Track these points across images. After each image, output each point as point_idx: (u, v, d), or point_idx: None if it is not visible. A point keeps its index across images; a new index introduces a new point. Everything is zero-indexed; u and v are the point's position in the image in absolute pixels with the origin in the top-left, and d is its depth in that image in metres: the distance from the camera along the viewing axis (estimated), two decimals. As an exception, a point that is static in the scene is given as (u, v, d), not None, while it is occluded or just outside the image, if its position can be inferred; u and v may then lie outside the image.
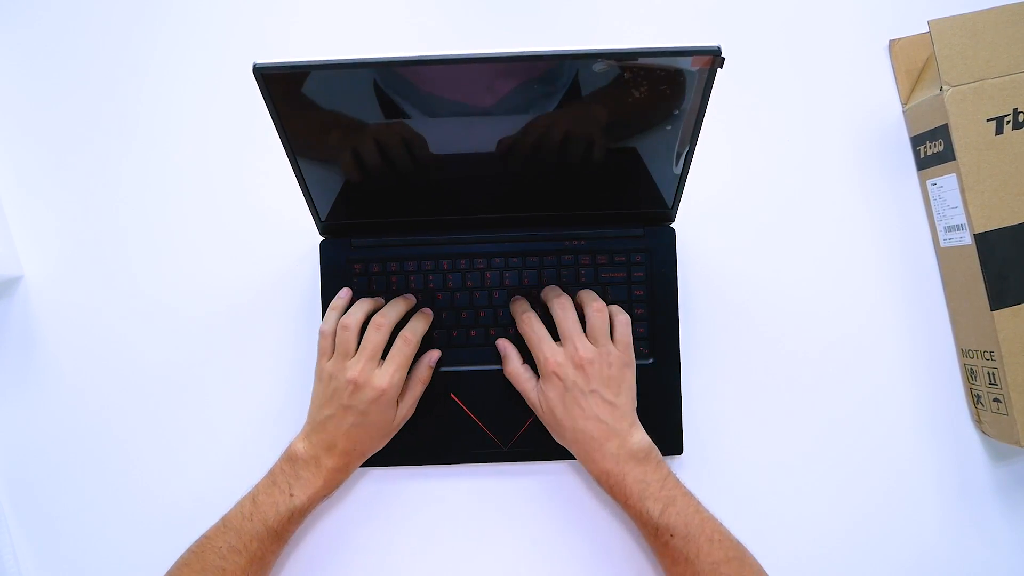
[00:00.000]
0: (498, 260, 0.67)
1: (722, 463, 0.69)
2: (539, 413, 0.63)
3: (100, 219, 0.72)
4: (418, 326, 0.63)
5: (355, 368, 0.60)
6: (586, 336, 0.62)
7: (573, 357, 0.60)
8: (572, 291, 0.66)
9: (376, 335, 0.61)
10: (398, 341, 0.62)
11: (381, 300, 0.65)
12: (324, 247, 0.67)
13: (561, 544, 0.68)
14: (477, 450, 0.67)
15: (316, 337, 0.67)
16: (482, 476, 0.68)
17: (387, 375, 0.60)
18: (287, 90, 0.51)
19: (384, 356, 0.62)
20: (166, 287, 0.71)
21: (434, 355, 0.66)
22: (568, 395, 0.60)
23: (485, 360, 0.67)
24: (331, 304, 0.64)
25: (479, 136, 0.58)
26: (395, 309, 0.63)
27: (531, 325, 0.63)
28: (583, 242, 0.67)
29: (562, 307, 0.62)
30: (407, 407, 0.64)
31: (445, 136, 0.57)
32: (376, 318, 0.62)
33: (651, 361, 0.67)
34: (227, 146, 0.72)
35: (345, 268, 0.67)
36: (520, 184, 0.63)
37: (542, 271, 0.67)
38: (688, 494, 0.60)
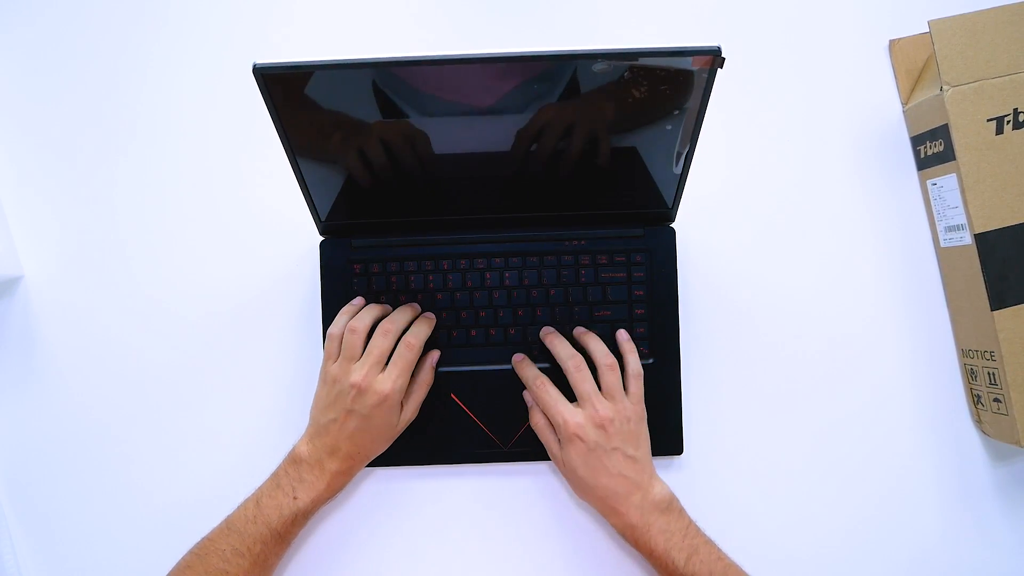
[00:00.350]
0: (498, 260, 0.67)
1: (722, 463, 0.69)
2: (561, 470, 0.64)
3: (100, 219, 0.72)
4: (420, 331, 0.63)
5: (359, 372, 0.60)
6: (601, 393, 0.62)
7: (593, 418, 0.60)
8: (572, 292, 0.66)
9: (383, 340, 0.61)
10: (401, 347, 0.62)
11: (389, 308, 0.65)
12: (324, 247, 0.67)
13: (561, 544, 0.68)
14: (477, 450, 0.67)
15: (316, 337, 0.67)
16: (482, 476, 0.68)
17: (390, 380, 0.60)
18: (287, 90, 0.51)
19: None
20: (166, 287, 0.71)
21: (435, 355, 0.66)
22: (591, 455, 0.60)
23: (485, 360, 0.67)
24: (343, 308, 0.65)
25: (479, 136, 0.58)
26: (403, 316, 0.63)
27: (546, 391, 0.63)
28: (583, 242, 0.67)
29: (576, 367, 0.62)
30: (411, 410, 0.64)
31: (445, 136, 0.57)
32: (384, 323, 0.62)
33: (651, 361, 0.67)
34: (227, 146, 0.72)
35: (345, 268, 0.67)
36: (520, 184, 0.63)
37: (542, 271, 0.67)
38: (709, 542, 0.61)
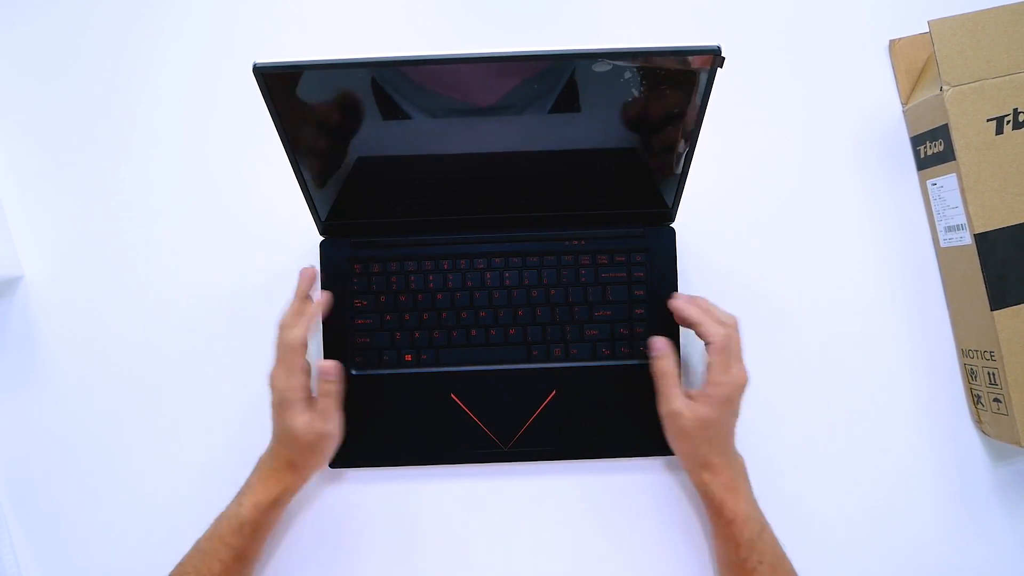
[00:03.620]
0: (498, 260, 0.67)
1: (722, 463, 0.69)
2: (676, 419, 0.61)
3: (100, 219, 0.72)
4: (295, 329, 0.62)
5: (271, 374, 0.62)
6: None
7: (743, 382, 0.61)
8: (572, 292, 0.66)
9: (278, 343, 0.63)
10: (276, 339, 0.63)
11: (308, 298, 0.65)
12: (324, 247, 0.67)
13: (561, 543, 0.68)
14: (477, 450, 0.67)
15: (316, 337, 0.67)
16: (482, 476, 0.68)
17: (275, 375, 0.62)
18: (287, 90, 0.51)
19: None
20: (166, 287, 0.71)
21: (325, 367, 0.62)
22: (725, 416, 0.61)
23: (485, 360, 0.67)
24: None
25: (479, 136, 0.58)
26: (290, 314, 0.64)
27: (736, 340, 0.62)
28: (583, 242, 0.67)
29: (736, 328, 0.62)
30: (318, 418, 0.61)
31: (444, 136, 0.57)
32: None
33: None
34: (227, 146, 0.72)
35: (345, 268, 0.67)
36: (520, 184, 0.63)
37: (542, 271, 0.67)
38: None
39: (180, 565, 0.60)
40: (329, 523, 0.68)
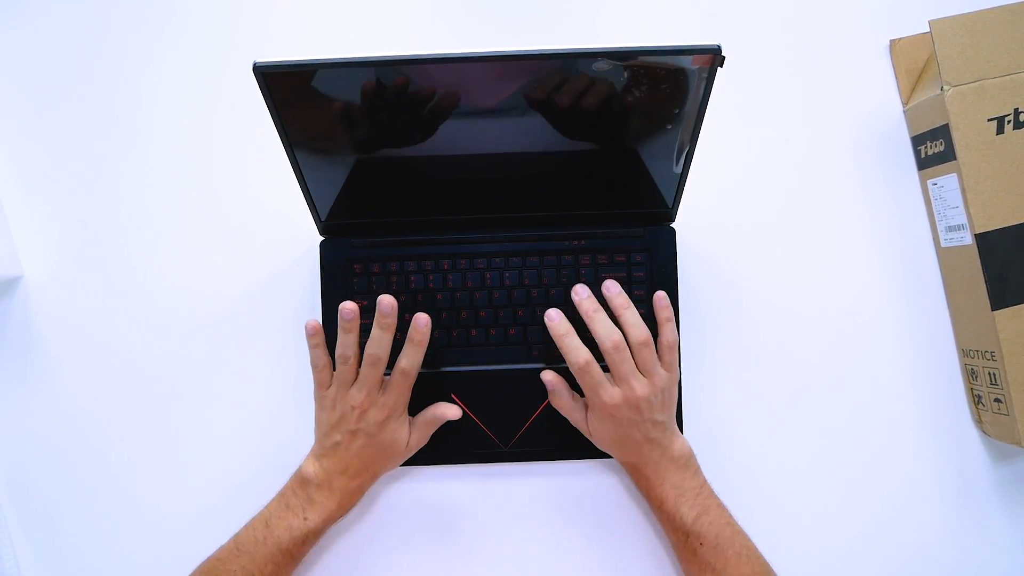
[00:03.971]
0: (498, 260, 0.67)
1: (722, 463, 0.68)
2: (588, 436, 0.64)
3: (100, 219, 0.72)
4: (413, 358, 0.61)
5: (359, 395, 0.60)
6: (637, 370, 0.61)
7: (629, 399, 0.60)
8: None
9: (372, 370, 0.60)
10: (395, 375, 0.61)
11: (356, 324, 0.60)
12: (324, 247, 0.67)
13: (561, 544, 0.68)
14: (477, 450, 0.67)
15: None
16: (482, 476, 0.68)
17: (391, 401, 0.61)
18: (287, 89, 0.51)
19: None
20: (166, 287, 0.71)
21: (451, 413, 0.64)
22: (622, 428, 0.61)
23: (485, 360, 0.67)
24: (310, 343, 0.62)
25: (479, 136, 0.58)
26: (383, 342, 0.60)
27: (591, 373, 0.60)
28: (583, 242, 0.67)
29: (616, 348, 0.59)
30: (419, 436, 0.64)
31: (445, 136, 0.57)
32: (370, 354, 0.60)
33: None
34: (227, 146, 0.72)
35: (345, 268, 0.67)
36: (520, 184, 0.63)
37: (542, 271, 0.67)
38: (722, 506, 0.61)
39: (219, 560, 0.60)
40: (329, 523, 0.68)
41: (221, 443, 0.69)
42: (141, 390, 0.70)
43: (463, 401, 0.66)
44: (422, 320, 0.61)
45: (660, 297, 0.64)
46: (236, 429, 0.69)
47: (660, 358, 0.62)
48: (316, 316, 0.68)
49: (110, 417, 0.70)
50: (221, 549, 0.61)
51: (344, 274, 0.67)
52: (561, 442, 0.67)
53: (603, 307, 0.62)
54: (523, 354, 0.67)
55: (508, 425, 0.67)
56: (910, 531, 0.68)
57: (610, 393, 0.60)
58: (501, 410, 0.67)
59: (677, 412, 0.66)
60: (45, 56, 0.73)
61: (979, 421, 0.69)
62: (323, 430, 0.63)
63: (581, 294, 0.62)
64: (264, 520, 0.61)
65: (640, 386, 0.60)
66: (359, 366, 0.61)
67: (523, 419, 0.66)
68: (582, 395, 0.63)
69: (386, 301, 0.59)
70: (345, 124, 0.55)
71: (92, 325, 0.70)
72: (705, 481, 0.63)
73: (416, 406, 0.66)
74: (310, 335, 0.62)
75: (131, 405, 0.70)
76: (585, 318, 0.61)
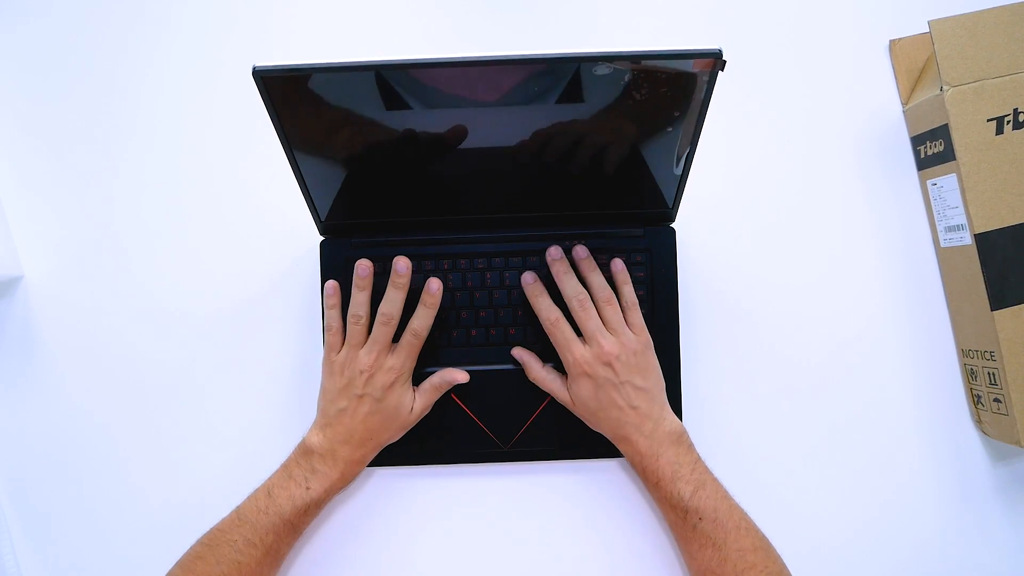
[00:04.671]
0: (498, 260, 0.67)
1: (722, 463, 0.68)
2: (572, 408, 0.64)
3: (100, 219, 0.72)
4: (423, 317, 0.63)
5: (368, 358, 0.61)
6: (606, 329, 0.62)
7: (600, 355, 0.61)
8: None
9: (384, 328, 0.62)
10: (407, 335, 0.62)
11: (369, 282, 0.63)
12: (324, 247, 0.67)
13: (561, 544, 0.68)
14: (477, 450, 0.67)
15: (316, 336, 0.68)
16: (482, 476, 0.68)
17: (399, 359, 0.62)
18: (286, 93, 0.51)
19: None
20: (166, 287, 0.71)
21: (459, 377, 0.65)
22: (601, 390, 0.62)
23: (486, 360, 0.67)
24: (327, 303, 0.64)
25: (479, 137, 0.58)
26: (398, 297, 0.62)
27: (560, 329, 0.63)
28: (583, 242, 0.67)
29: (581, 305, 0.62)
30: (422, 403, 0.64)
31: (445, 136, 0.57)
32: (382, 310, 0.62)
33: (651, 361, 0.67)
34: (227, 146, 0.72)
35: (345, 268, 0.66)
36: (521, 184, 0.63)
37: (542, 271, 0.67)
38: (716, 480, 0.62)
39: (220, 531, 0.60)
40: (327, 522, 0.68)
41: (221, 442, 0.69)
42: (141, 390, 0.70)
43: (463, 401, 0.67)
44: (435, 284, 0.63)
45: (616, 262, 0.65)
46: (236, 428, 0.69)
47: (626, 319, 0.63)
48: (316, 316, 0.68)
49: (110, 416, 0.70)
50: (223, 520, 0.61)
51: (344, 274, 0.66)
52: (561, 442, 0.67)
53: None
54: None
55: (508, 425, 0.67)
56: (909, 531, 0.68)
57: (580, 349, 0.62)
58: (501, 410, 0.67)
59: (677, 412, 0.67)
60: (45, 56, 0.73)
61: (978, 421, 0.69)
62: (329, 397, 0.63)
63: (554, 255, 0.64)
64: (267, 490, 0.62)
65: (607, 342, 0.61)
66: (370, 328, 0.62)
67: (523, 419, 0.66)
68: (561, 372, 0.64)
69: (402, 261, 0.62)
70: (345, 128, 0.55)
71: (92, 325, 0.70)
72: (699, 457, 0.63)
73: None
74: (328, 295, 0.64)
75: (131, 405, 0.70)
76: (555, 277, 0.64)
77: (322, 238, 0.67)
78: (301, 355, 0.69)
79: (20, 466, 0.70)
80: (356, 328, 0.62)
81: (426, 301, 0.63)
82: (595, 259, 0.65)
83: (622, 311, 0.63)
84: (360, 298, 0.63)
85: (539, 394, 0.66)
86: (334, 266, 0.67)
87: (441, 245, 0.67)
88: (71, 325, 0.71)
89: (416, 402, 0.64)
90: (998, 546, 0.68)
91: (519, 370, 0.66)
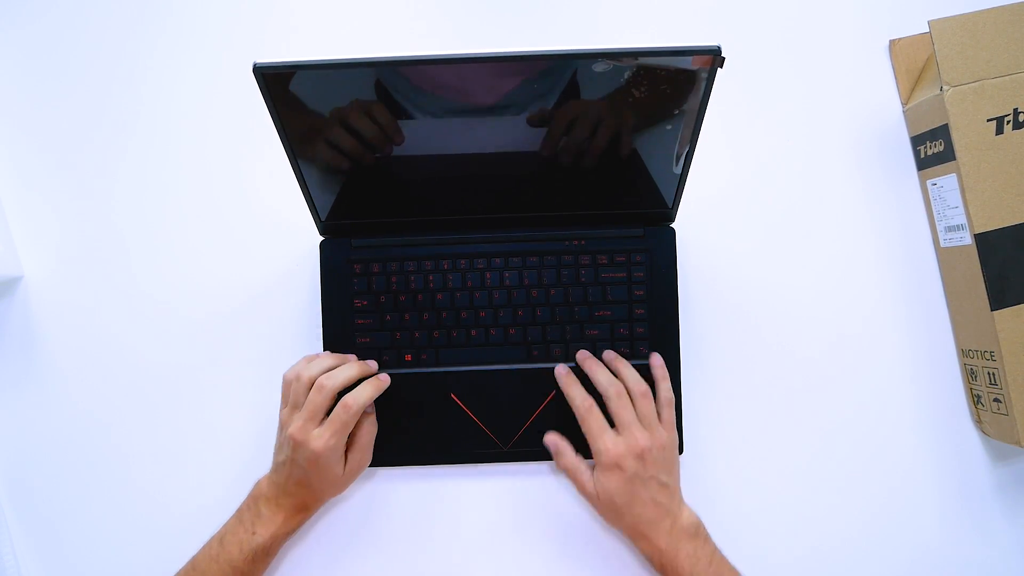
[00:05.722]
0: (498, 260, 0.67)
1: (722, 463, 0.69)
2: (594, 501, 0.63)
3: (100, 219, 0.72)
4: (362, 394, 0.61)
5: (295, 425, 0.60)
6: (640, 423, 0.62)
7: (633, 448, 0.60)
8: (572, 292, 0.66)
9: (316, 396, 0.60)
10: (337, 407, 0.60)
11: (351, 358, 0.64)
12: (324, 247, 0.67)
13: (560, 544, 0.68)
14: (477, 450, 0.67)
15: (316, 337, 0.68)
16: (482, 476, 0.68)
17: (322, 439, 0.59)
18: (287, 90, 0.51)
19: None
20: (166, 287, 0.71)
21: (370, 430, 0.64)
22: (629, 484, 0.60)
23: (485, 360, 0.67)
24: (304, 355, 0.64)
25: (479, 136, 0.58)
26: (345, 373, 0.61)
27: (593, 416, 0.62)
28: (583, 242, 0.67)
29: (618, 395, 0.62)
30: (358, 458, 0.63)
31: (445, 136, 0.57)
32: (321, 379, 0.60)
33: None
34: (227, 146, 0.72)
35: (345, 268, 0.67)
36: (520, 184, 0.63)
37: (542, 271, 0.67)
38: (734, 570, 0.61)
39: None
40: (327, 523, 0.68)
41: (220, 442, 0.69)
42: (141, 390, 0.70)
43: (463, 401, 0.66)
44: (386, 378, 0.64)
45: (655, 356, 0.65)
46: (236, 428, 0.69)
47: (661, 415, 0.63)
48: (316, 315, 0.68)
49: (110, 416, 0.70)
50: (178, 572, 0.61)
51: (344, 274, 0.67)
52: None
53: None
54: (523, 354, 0.67)
55: (508, 425, 0.67)
56: (909, 531, 0.68)
57: (613, 439, 0.61)
58: (501, 410, 0.67)
59: (677, 412, 0.67)
60: (45, 56, 0.73)
61: (978, 421, 0.69)
62: (275, 447, 0.63)
63: (583, 355, 0.66)
64: (219, 537, 0.61)
65: (642, 435, 0.61)
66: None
67: (523, 419, 0.66)
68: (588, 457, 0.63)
69: (375, 367, 0.64)
70: (346, 126, 0.56)
71: (92, 325, 0.71)
72: (717, 548, 0.62)
73: (416, 406, 0.66)
74: (316, 354, 0.64)
75: (131, 405, 0.70)
76: (588, 372, 0.64)
77: (322, 238, 0.67)
78: (301, 355, 0.69)
79: (20, 466, 0.70)
80: (296, 386, 0.61)
81: (372, 382, 0.62)
82: (596, 260, 0.66)
83: (658, 407, 0.63)
84: (318, 362, 0.62)
85: (539, 394, 0.66)
86: (334, 266, 0.67)
87: (441, 245, 0.67)
88: (71, 325, 0.71)
89: (350, 463, 0.62)
90: (998, 546, 0.68)
91: (519, 370, 0.67)
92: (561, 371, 0.65)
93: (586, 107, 0.55)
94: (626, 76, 0.51)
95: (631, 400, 0.62)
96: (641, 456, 0.60)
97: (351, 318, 0.66)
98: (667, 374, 0.65)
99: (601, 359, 0.65)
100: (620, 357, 0.65)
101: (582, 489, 0.63)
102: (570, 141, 0.57)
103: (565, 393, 0.64)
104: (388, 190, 0.63)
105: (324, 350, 0.66)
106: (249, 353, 0.70)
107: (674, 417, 0.64)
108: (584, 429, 0.62)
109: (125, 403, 0.70)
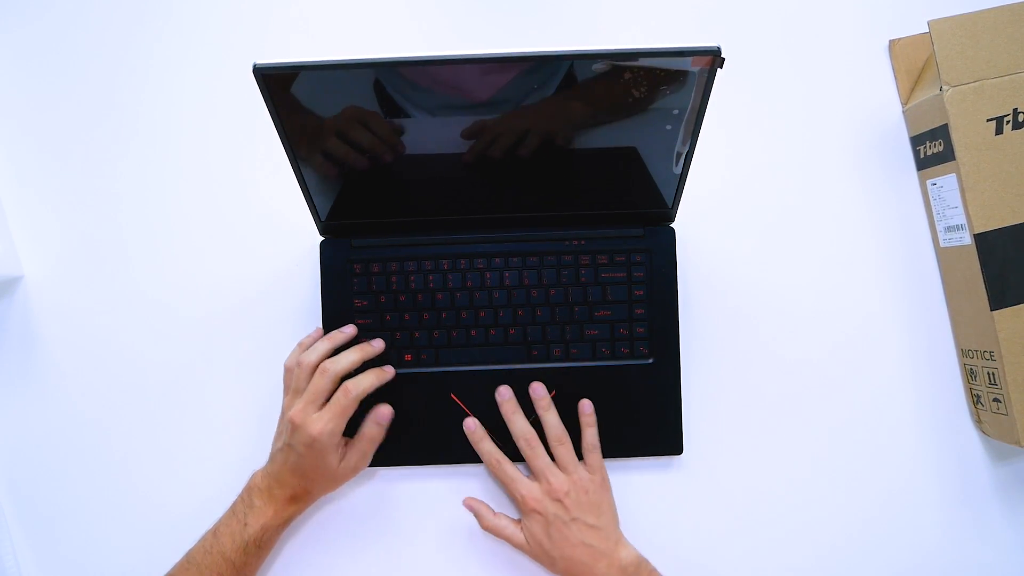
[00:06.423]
0: (498, 260, 0.67)
1: (722, 463, 0.69)
2: (527, 551, 0.64)
3: (100, 219, 0.72)
4: (364, 381, 0.61)
5: (295, 409, 0.60)
6: (556, 467, 0.63)
7: (549, 491, 0.62)
8: (572, 292, 0.66)
9: (319, 380, 0.60)
10: (338, 391, 0.61)
11: (350, 335, 0.65)
12: (324, 247, 0.67)
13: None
14: (477, 450, 0.67)
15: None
16: (482, 476, 0.68)
17: (320, 422, 0.59)
18: (287, 90, 0.51)
19: None
20: (166, 287, 0.71)
21: (383, 412, 0.63)
22: (552, 527, 0.61)
23: (485, 360, 0.67)
24: (299, 340, 0.65)
25: (479, 137, 0.58)
26: (348, 358, 0.62)
27: (502, 469, 0.64)
28: (583, 242, 0.67)
29: (528, 444, 0.63)
30: (356, 458, 0.63)
31: (445, 135, 0.57)
32: (324, 363, 0.61)
33: (651, 361, 0.67)
34: (227, 146, 0.72)
35: (345, 268, 0.67)
36: (520, 184, 0.63)
37: (542, 271, 0.67)
38: None
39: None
40: (327, 522, 0.68)
41: (220, 442, 0.69)
42: (141, 389, 0.70)
43: (463, 401, 0.66)
44: (391, 370, 0.65)
45: (584, 404, 0.66)
46: (236, 428, 0.69)
47: (585, 459, 0.64)
48: (316, 315, 0.68)
49: (110, 416, 0.70)
50: (174, 566, 0.61)
51: (344, 274, 0.67)
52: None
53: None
54: (523, 354, 0.67)
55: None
56: (909, 531, 0.68)
57: (527, 486, 0.63)
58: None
59: (675, 412, 0.67)
60: (45, 56, 0.73)
61: (978, 421, 0.69)
62: (275, 436, 0.64)
63: (503, 395, 0.65)
64: (214, 530, 0.61)
65: (557, 480, 0.62)
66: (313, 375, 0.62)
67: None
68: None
69: (379, 343, 0.65)
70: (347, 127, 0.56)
71: (92, 325, 0.71)
72: None
73: (416, 406, 0.66)
74: (309, 335, 0.65)
75: (131, 405, 0.70)
76: (504, 417, 0.65)
77: (322, 238, 0.67)
78: (301, 355, 0.69)
79: (20, 466, 0.70)
80: (298, 372, 0.62)
81: (376, 371, 0.63)
82: (595, 260, 0.66)
83: (582, 452, 0.64)
84: (318, 346, 0.63)
85: (539, 394, 0.66)
86: (334, 266, 0.67)
87: (441, 245, 0.67)
88: (71, 325, 0.71)
89: (347, 460, 0.62)
90: (998, 546, 0.68)
91: (519, 370, 0.66)
92: (504, 395, 0.65)
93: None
94: (626, 76, 0.51)
95: (550, 448, 0.64)
96: (558, 499, 0.61)
97: (351, 318, 0.66)
98: (594, 421, 0.65)
99: (530, 395, 0.65)
100: (546, 396, 0.65)
101: (512, 542, 0.64)
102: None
103: (506, 421, 0.65)
104: (388, 190, 0.63)
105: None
106: (249, 353, 0.70)
107: (599, 460, 0.64)
108: (499, 481, 0.65)
109: (125, 403, 0.70)
